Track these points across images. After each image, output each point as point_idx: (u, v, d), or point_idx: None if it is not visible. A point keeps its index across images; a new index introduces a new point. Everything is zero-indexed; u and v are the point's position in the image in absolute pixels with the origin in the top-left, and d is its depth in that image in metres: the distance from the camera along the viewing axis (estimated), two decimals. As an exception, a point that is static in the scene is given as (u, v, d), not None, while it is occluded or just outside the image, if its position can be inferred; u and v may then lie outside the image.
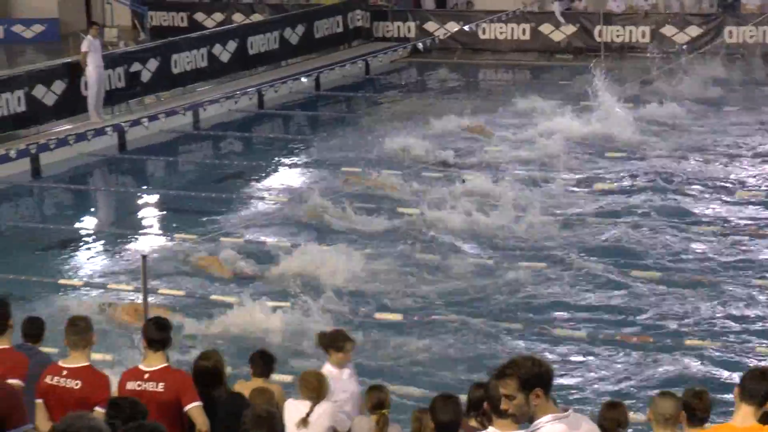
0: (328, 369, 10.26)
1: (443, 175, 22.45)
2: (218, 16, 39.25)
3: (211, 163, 25.02)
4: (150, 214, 21.44)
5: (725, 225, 19.52)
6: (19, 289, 16.52)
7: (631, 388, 13.62)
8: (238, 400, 9.09)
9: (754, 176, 22.57)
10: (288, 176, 23.59)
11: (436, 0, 39.87)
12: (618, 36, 35.72)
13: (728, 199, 20.96)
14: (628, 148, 24.45)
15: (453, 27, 36.86)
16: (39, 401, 8.78)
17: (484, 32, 36.84)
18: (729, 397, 8.04)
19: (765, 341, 14.92)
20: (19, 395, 7.26)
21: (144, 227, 20.41)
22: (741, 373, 7.20)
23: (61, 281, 17.31)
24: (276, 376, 10.84)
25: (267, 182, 23.18)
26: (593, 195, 21.47)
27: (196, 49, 31.28)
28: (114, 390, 8.92)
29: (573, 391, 13.47)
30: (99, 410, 8.23)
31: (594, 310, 16.11)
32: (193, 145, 27.03)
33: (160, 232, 20.12)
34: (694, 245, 18.56)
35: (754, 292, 16.50)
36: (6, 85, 25.76)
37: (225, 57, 32.28)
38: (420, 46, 35.28)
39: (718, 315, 15.79)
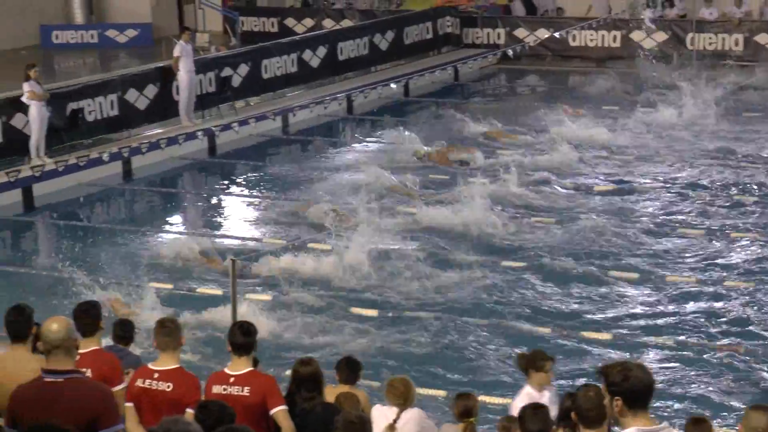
0: (527, 391, 10.16)
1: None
2: (308, 22, 39.43)
3: (299, 166, 25.07)
4: (237, 218, 21.52)
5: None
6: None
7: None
8: (333, 409, 9.04)
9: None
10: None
11: (526, 6, 39.70)
12: (710, 44, 35.28)
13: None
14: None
15: (543, 34, 36.69)
16: (129, 405, 8.84)
17: (574, 39, 36.63)
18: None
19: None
20: (112, 396, 7.32)
21: (231, 230, 20.52)
22: None
23: (151, 284, 17.43)
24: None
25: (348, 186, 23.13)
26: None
27: (287, 55, 31.46)
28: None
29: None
30: (189, 411, 8.28)
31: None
32: (281, 149, 27.13)
33: (247, 236, 20.19)
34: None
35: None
36: (99, 89, 26.09)
37: (315, 62, 32.43)
38: (510, 52, 35.15)
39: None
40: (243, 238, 19.93)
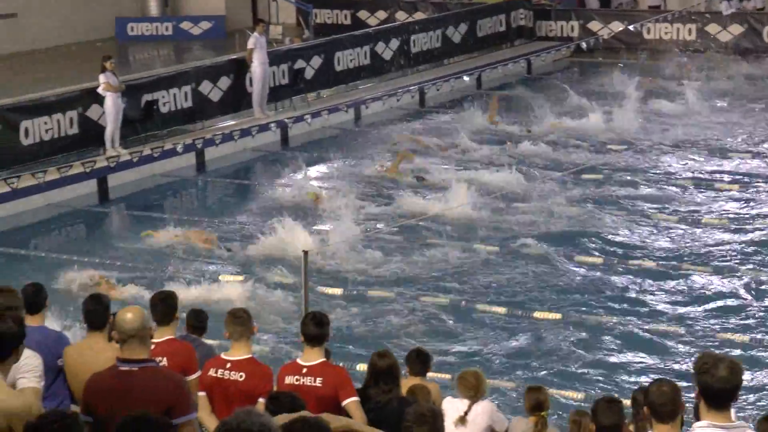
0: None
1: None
2: (381, 14, 39.46)
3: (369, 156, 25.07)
4: (309, 209, 21.55)
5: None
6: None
7: None
8: (408, 403, 9.01)
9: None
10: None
11: (601, -1, 39.48)
12: (788, 36, 34.88)
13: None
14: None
15: (617, 26, 36.43)
16: (202, 394, 8.90)
17: (648, 32, 36.33)
18: None
19: None
20: (187, 386, 7.36)
21: (303, 222, 20.55)
22: None
23: (221, 277, 17.55)
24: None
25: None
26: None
27: (359, 47, 31.51)
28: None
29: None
30: (261, 401, 8.31)
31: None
32: (354, 142, 27.14)
33: (317, 227, 20.23)
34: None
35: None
36: (174, 81, 26.30)
37: (387, 55, 32.45)
38: (583, 45, 34.94)
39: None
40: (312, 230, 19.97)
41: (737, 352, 14.30)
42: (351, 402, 8.78)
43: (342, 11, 40.19)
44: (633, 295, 16.63)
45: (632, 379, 13.54)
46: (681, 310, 16.04)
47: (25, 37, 36.04)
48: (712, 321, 15.61)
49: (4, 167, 22.23)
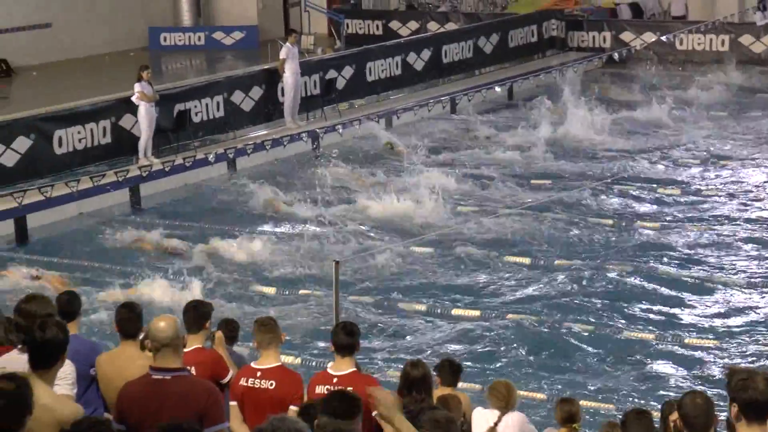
0: None
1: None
2: (413, 25, 39.50)
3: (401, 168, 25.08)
4: (344, 220, 21.56)
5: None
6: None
7: None
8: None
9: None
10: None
11: (633, 10, 39.36)
12: (822, 48, 34.72)
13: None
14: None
15: (649, 37, 36.31)
16: (233, 403, 8.93)
17: (681, 43, 36.20)
18: None
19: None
20: (219, 394, 7.39)
21: (337, 232, 20.57)
22: None
23: (256, 288, 17.62)
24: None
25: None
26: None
27: (391, 57, 31.58)
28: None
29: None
30: (293, 408, 8.33)
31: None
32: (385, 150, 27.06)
33: (352, 239, 20.25)
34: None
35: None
36: (206, 91, 26.42)
37: (419, 65, 32.50)
38: (615, 56, 34.85)
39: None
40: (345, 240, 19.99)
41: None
42: (382, 412, 8.78)
43: (374, 21, 40.25)
44: (664, 307, 16.56)
45: (663, 392, 13.48)
46: (713, 322, 15.97)
47: (60, 46, 36.25)
48: (744, 334, 15.53)
49: (38, 176, 22.37)
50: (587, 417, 11.27)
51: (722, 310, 16.38)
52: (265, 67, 29.19)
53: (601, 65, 36.04)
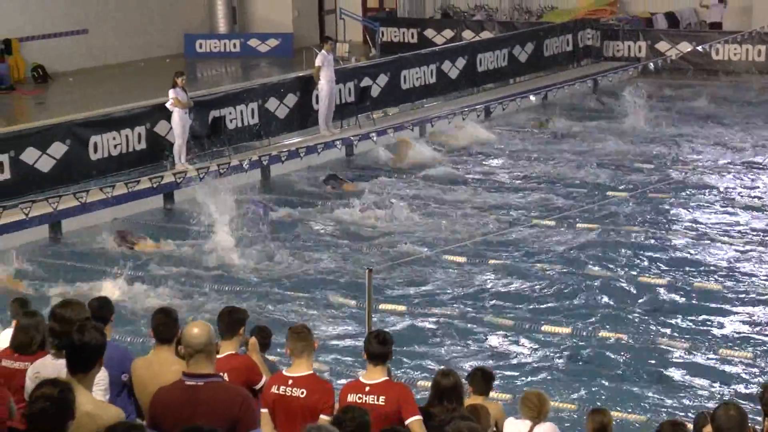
0: None
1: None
2: (448, 33, 39.51)
3: (440, 177, 25.09)
4: (372, 229, 21.57)
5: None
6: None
7: None
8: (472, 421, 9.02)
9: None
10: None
11: (669, 19, 39.22)
12: None
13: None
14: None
15: (685, 47, 36.17)
16: (264, 411, 8.93)
17: (717, 53, 36.03)
18: None
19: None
20: (252, 400, 7.41)
21: (365, 241, 20.60)
22: None
23: (290, 291, 17.67)
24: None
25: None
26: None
27: (426, 65, 31.58)
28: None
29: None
30: (324, 417, 8.34)
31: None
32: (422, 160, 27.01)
33: (384, 245, 20.26)
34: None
35: None
36: (241, 98, 26.51)
37: (454, 73, 32.49)
38: (651, 66, 34.72)
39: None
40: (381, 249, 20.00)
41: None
42: (414, 421, 8.78)
43: (409, 30, 40.27)
44: (697, 317, 16.49)
45: (696, 403, 13.41)
46: (749, 335, 15.87)
47: (96, 52, 36.50)
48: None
49: (74, 182, 22.49)
50: (618, 428, 11.22)
51: (759, 324, 16.27)
52: (300, 74, 29.26)
53: (636, 75, 35.90)
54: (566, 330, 15.88)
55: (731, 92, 33.61)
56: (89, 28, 36.68)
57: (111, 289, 17.18)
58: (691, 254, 19.30)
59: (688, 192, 23.22)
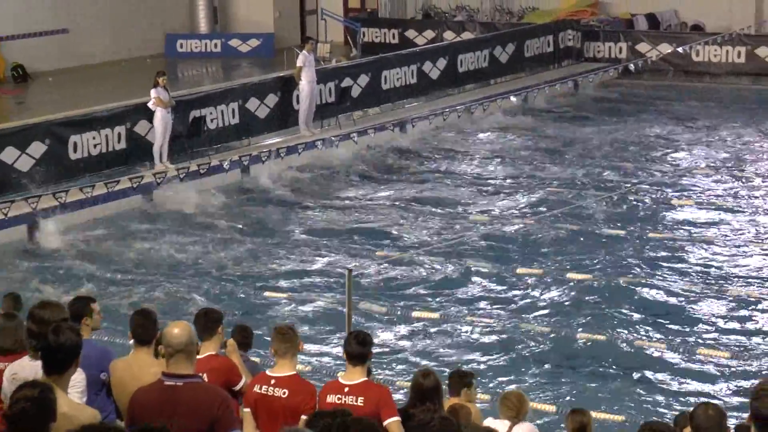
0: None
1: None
2: (429, 34, 39.52)
3: (416, 179, 25.13)
4: (354, 230, 21.59)
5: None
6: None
7: None
8: (450, 423, 9.01)
9: None
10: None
11: (649, 21, 39.30)
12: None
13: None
14: None
15: (666, 48, 36.25)
16: (247, 410, 8.93)
17: (697, 54, 36.12)
18: None
19: None
20: (230, 401, 7.39)
21: (346, 240, 20.62)
22: None
23: (267, 293, 17.68)
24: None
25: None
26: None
27: (407, 66, 31.57)
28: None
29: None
30: (304, 418, 8.33)
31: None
32: (402, 161, 27.04)
33: (361, 247, 20.29)
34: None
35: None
36: (221, 98, 26.47)
37: (435, 74, 32.49)
38: (631, 67, 34.82)
39: None
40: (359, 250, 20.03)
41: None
42: (392, 422, 8.78)
43: (390, 30, 40.27)
44: (676, 317, 16.55)
45: (675, 404, 13.45)
46: (724, 333, 15.94)
47: (76, 52, 36.39)
48: (758, 348, 15.50)
49: (53, 182, 22.42)
50: (598, 428, 11.23)
51: (736, 324, 16.33)
52: (281, 74, 29.24)
53: (617, 76, 35.97)
54: (545, 330, 15.91)
55: (711, 94, 33.73)
56: (70, 28, 36.58)
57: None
58: (670, 255, 19.36)
59: (667, 192, 23.30)
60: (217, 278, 18.56)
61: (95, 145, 23.58)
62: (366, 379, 9.03)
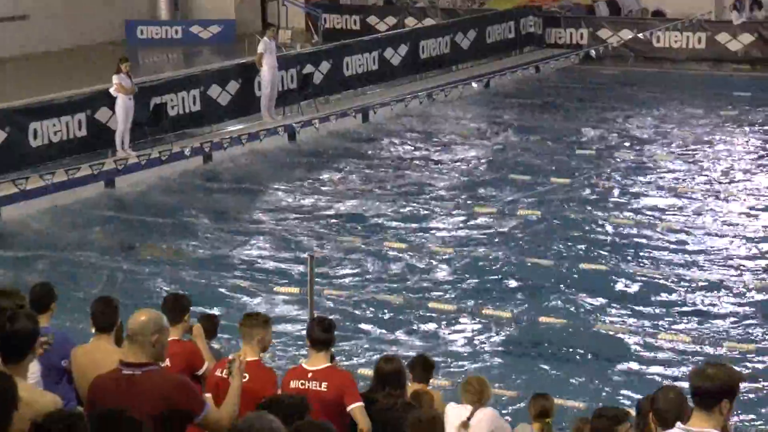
0: None
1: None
2: (391, 20, 39.46)
3: (379, 164, 25.14)
4: (315, 214, 21.58)
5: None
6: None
7: None
8: (412, 408, 9.03)
9: None
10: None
11: (610, 7, 39.43)
12: (799, 46, 34.84)
13: None
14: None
15: (627, 34, 36.37)
16: (208, 395, 8.92)
17: (658, 40, 36.28)
18: None
19: None
20: (190, 386, 7.35)
21: (308, 227, 20.61)
22: None
23: (230, 280, 17.66)
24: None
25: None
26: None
27: (368, 52, 31.54)
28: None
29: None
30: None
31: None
32: (362, 146, 27.05)
33: (325, 232, 20.29)
34: None
35: None
36: (182, 85, 26.37)
37: (396, 60, 32.48)
38: (592, 53, 34.92)
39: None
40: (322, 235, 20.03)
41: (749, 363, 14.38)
42: (356, 407, 8.80)
43: (351, 16, 40.18)
44: (637, 302, 16.64)
45: (635, 387, 13.50)
46: (684, 318, 16.05)
47: (36, 39, 36.10)
48: (718, 333, 15.61)
49: (13, 169, 22.26)
50: (561, 413, 11.29)
51: (696, 308, 16.44)
52: (242, 61, 29.16)
53: (578, 62, 36.05)
54: (508, 315, 15.96)
55: (671, 79, 33.90)
56: (30, 14, 36.29)
57: None
58: (631, 240, 19.45)
59: (627, 178, 23.40)
60: (178, 264, 18.52)
61: (56, 132, 23.44)
62: (329, 364, 9.05)
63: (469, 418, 9.42)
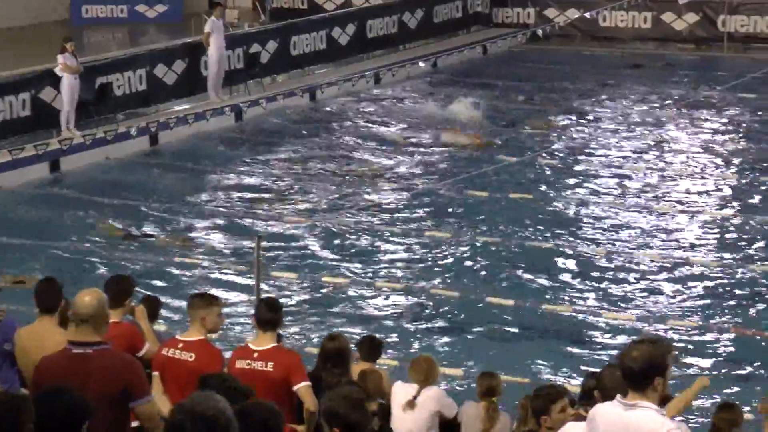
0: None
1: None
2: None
3: (326, 144, 25.11)
4: (262, 195, 21.54)
5: None
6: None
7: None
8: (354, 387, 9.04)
9: None
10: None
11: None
12: (742, 26, 35.06)
13: None
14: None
15: (573, 14, 36.43)
16: (155, 374, 8.91)
17: (604, 20, 36.39)
18: None
19: None
20: (140, 367, 7.34)
21: (256, 208, 20.57)
22: None
23: (177, 259, 17.60)
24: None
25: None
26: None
27: (316, 32, 31.44)
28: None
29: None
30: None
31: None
32: (308, 126, 27.00)
33: (272, 212, 20.26)
34: None
35: None
36: (128, 64, 26.17)
37: (344, 40, 32.39)
38: (539, 32, 34.97)
39: None
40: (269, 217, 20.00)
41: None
42: (302, 387, 8.80)
43: (299, -5, 39.96)
44: (581, 281, 16.75)
45: (581, 365, 13.61)
46: (629, 297, 16.18)
47: (-21, 17, 35.70)
48: (663, 311, 15.75)
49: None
50: (507, 390, 11.35)
51: (640, 286, 16.57)
52: (189, 40, 28.96)
53: (525, 41, 36.07)
54: (454, 294, 16.02)
55: (617, 59, 34.07)
56: (-29, -7, 35.89)
57: None
58: (576, 218, 19.57)
59: (573, 156, 23.51)
60: (124, 245, 18.42)
61: (-1, 112, 23.22)
62: (276, 344, 9.04)
63: (415, 397, 9.46)
